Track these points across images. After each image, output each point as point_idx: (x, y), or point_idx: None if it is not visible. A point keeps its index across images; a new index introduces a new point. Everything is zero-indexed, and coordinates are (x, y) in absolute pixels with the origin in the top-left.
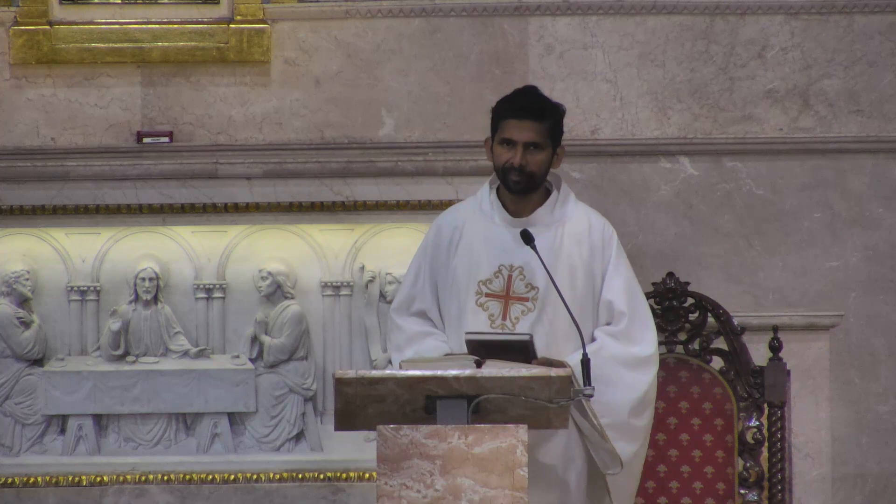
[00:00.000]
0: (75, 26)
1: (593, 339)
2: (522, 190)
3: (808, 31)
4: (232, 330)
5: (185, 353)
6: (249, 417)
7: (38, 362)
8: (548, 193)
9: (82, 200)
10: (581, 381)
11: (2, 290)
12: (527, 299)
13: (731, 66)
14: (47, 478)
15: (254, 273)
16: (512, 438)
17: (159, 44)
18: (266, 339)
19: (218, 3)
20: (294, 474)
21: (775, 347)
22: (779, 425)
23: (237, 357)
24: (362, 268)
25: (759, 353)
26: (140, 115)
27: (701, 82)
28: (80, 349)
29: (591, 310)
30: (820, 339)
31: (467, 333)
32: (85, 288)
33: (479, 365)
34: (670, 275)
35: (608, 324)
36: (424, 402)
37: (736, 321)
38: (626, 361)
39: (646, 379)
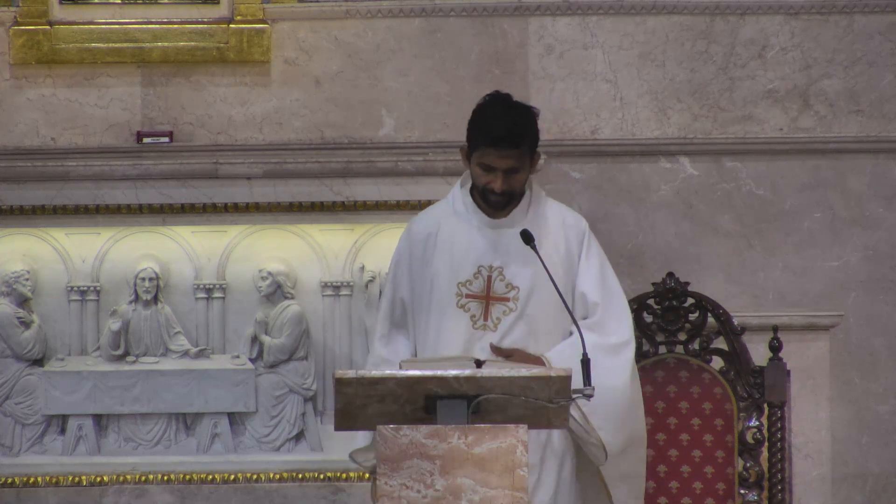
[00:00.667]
0: (75, 26)
1: (570, 334)
2: (503, 207)
3: (808, 31)
4: (232, 330)
5: (185, 353)
6: (249, 417)
7: (38, 362)
8: (521, 193)
9: (82, 200)
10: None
11: (2, 290)
12: (507, 299)
13: (731, 66)
14: (47, 478)
15: (254, 273)
16: (512, 438)
17: (159, 44)
18: (266, 339)
19: (218, 3)
20: (294, 474)
21: (775, 347)
22: (779, 425)
23: (237, 357)
24: (362, 268)
25: (759, 353)
26: (140, 115)
27: (701, 82)
28: (80, 349)
29: (571, 306)
30: (820, 339)
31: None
32: (85, 288)
33: (478, 365)
34: (670, 275)
35: (584, 317)
36: (424, 402)
37: (736, 321)
38: (603, 350)
39: (623, 363)
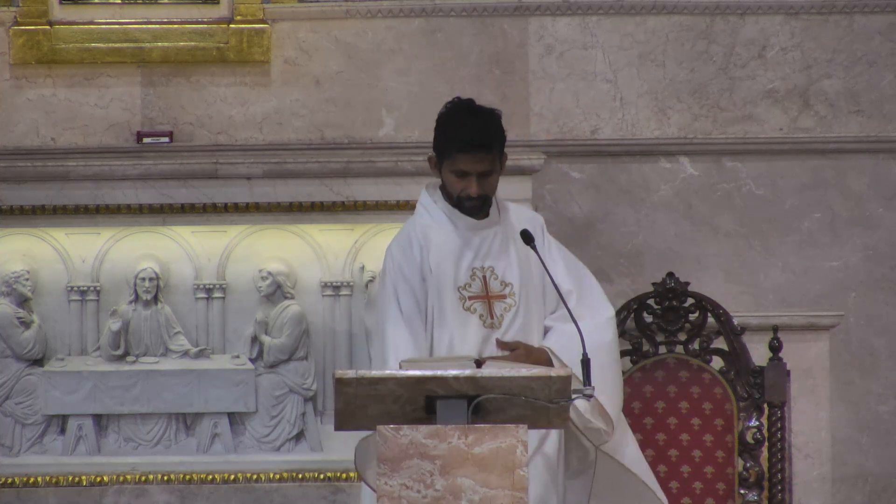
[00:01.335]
0: (75, 26)
1: (548, 330)
2: (479, 211)
3: (808, 32)
4: (232, 330)
5: (185, 353)
6: (249, 417)
7: (38, 362)
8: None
9: (82, 200)
10: (558, 359)
11: (2, 290)
12: (505, 296)
13: (731, 66)
14: (47, 478)
15: (254, 273)
16: (512, 438)
17: (159, 44)
18: (266, 339)
19: (218, 3)
20: (294, 474)
21: (775, 347)
22: (779, 425)
23: (237, 357)
24: (362, 268)
25: (759, 353)
26: (140, 115)
27: (701, 82)
28: (80, 349)
29: (543, 300)
30: (820, 340)
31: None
32: (85, 288)
33: (478, 365)
34: (670, 275)
35: (555, 310)
36: (424, 402)
37: (736, 321)
38: (590, 329)
39: (607, 337)
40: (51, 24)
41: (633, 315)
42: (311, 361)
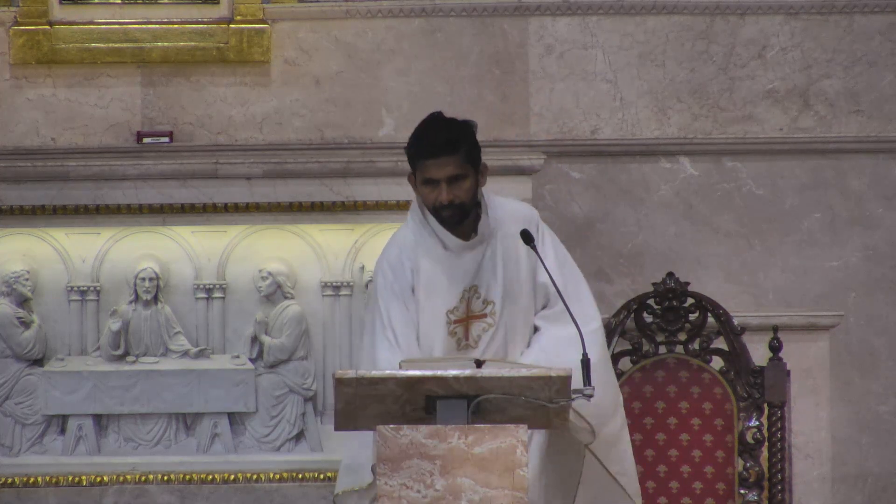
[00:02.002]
0: (75, 26)
1: (536, 329)
2: (458, 222)
3: (808, 32)
4: (232, 330)
5: (185, 353)
6: (249, 417)
7: (38, 362)
8: (478, 205)
9: (82, 200)
10: None
11: (2, 290)
12: (485, 315)
13: (731, 66)
14: (47, 478)
15: (254, 273)
16: (512, 438)
17: (159, 44)
18: (266, 339)
19: (218, 3)
20: (294, 474)
21: (775, 347)
22: (779, 425)
23: (237, 357)
24: (362, 268)
25: (758, 353)
26: (140, 115)
27: (701, 82)
28: (80, 349)
29: (535, 297)
30: (820, 339)
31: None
32: (85, 288)
33: (478, 365)
34: (670, 275)
35: (545, 306)
36: (424, 402)
37: (736, 321)
38: (569, 342)
39: (595, 349)
40: (51, 24)
41: (633, 315)
42: (311, 361)
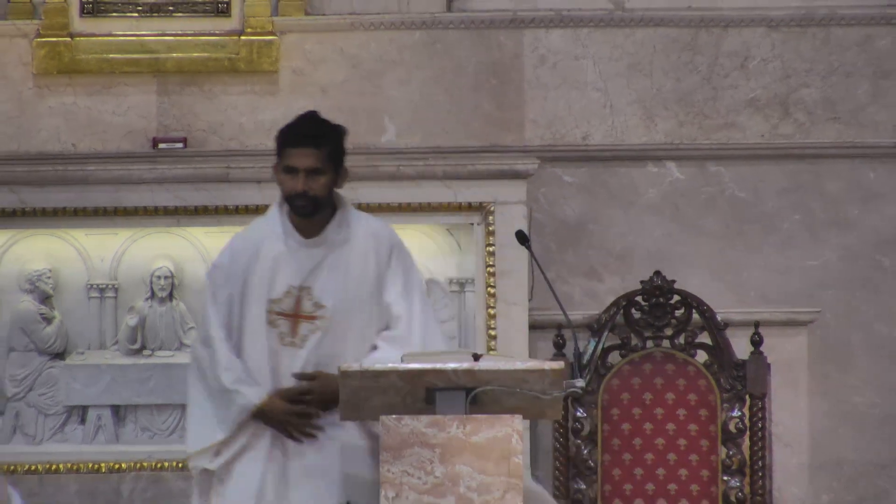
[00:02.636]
0: (95, 38)
1: (374, 348)
2: (308, 213)
3: (787, 43)
4: None
5: None
6: None
7: (60, 356)
8: (333, 212)
9: (101, 203)
10: None
11: (25, 288)
12: (315, 317)
13: (714, 75)
14: (68, 465)
15: None
16: (507, 428)
17: (174, 55)
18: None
19: (229, 16)
20: None
21: (756, 342)
22: (760, 416)
23: None
24: None
25: (741, 348)
26: (156, 123)
27: (686, 91)
28: (99, 344)
29: (377, 315)
30: (799, 334)
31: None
32: (104, 286)
33: (476, 358)
34: (657, 273)
35: (387, 327)
36: (425, 393)
37: (719, 317)
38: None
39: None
40: (71, 36)
41: (622, 311)
42: None
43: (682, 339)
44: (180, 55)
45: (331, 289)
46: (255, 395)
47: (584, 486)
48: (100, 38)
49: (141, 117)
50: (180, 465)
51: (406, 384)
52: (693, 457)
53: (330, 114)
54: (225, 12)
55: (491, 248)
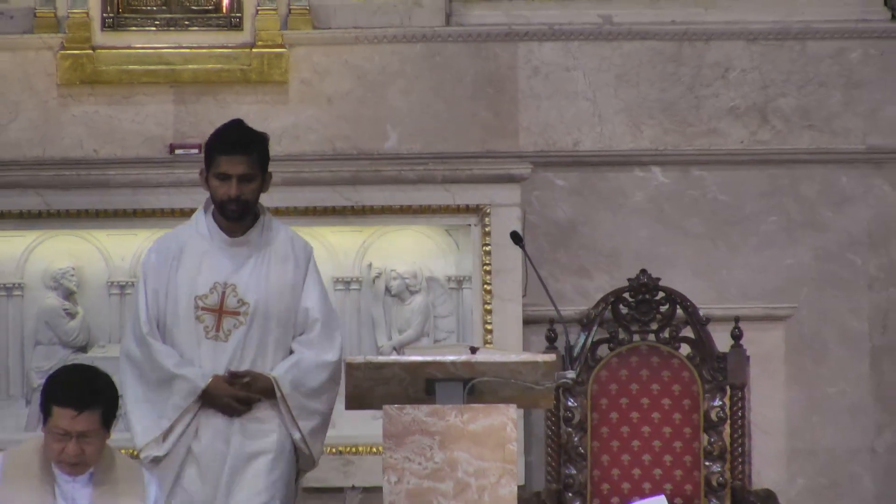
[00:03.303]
0: (115, 50)
1: (291, 351)
2: (239, 217)
3: (765, 56)
4: None
5: None
6: None
7: (83, 349)
8: (256, 217)
9: (121, 205)
10: (281, 392)
11: (50, 285)
12: (238, 313)
13: (697, 85)
14: None
15: None
16: (503, 417)
17: (190, 66)
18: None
19: (242, 29)
20: None
21: (737, 336)
22: (740, 405)
23: None
24: (370, 265)
25: (722, 341)
26: (172, 130)
27: (671, 100)
28: (119, 337)
29: (295, 318)
30: (776, 329)
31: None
32: (124, 283)
33: (472, 351)
34: (643, 271)
35: (303, 332)
36: (425, 384)
37: (702, 312)
38: (319, 367)
39: (333, 390)
40: (93, 48)
41: (610, 307)
42: None
43: (666, 334)
44: (195, 66)
45: (253, 286)
46: (199, 377)
47: (574, 472)
48: (120, 51)
49: (158, 125)
50: None
51: (408, 375)
52: (677, 443)
53: (336, 121)
54: (238, 26)
55: (487, 248)
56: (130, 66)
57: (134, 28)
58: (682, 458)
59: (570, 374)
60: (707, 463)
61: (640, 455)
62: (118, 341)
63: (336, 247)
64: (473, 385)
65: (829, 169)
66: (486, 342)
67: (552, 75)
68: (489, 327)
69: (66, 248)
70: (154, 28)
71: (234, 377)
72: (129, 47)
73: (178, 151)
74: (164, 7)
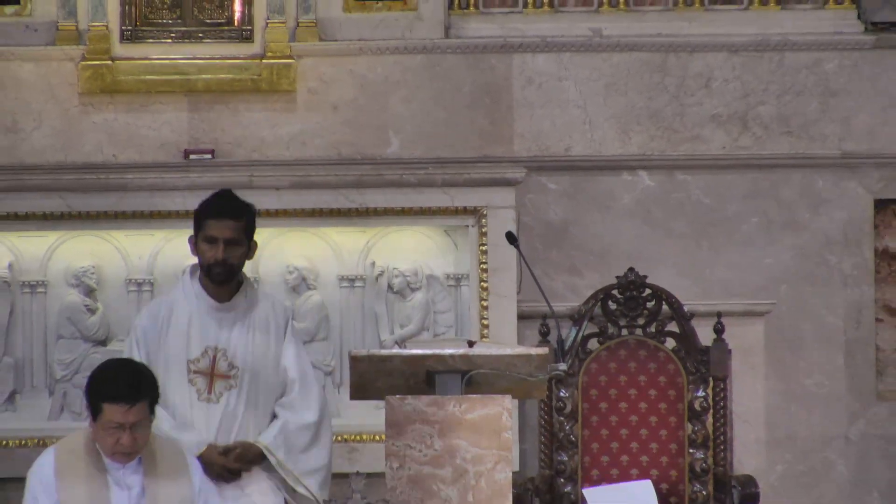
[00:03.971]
0: (133, 61)
1: (275, 416)
2: (224, 281)
3: (746, 66)
4: None
5: None
6: None
7: (102, 343)
8: (239, 282)
9: (139, 207)
10: (276, 458)
11: (72, 283)
12: (229, 377)
13: (682, 94)
14: None
15: (282, 268)
16: (499, 407)
17: (203, 76)
18: (292, 323)
19: (252, 42)
20: None
21: (719, 330)
22: (722, 396)
23: None
24: (373, 264)
25: (705, 335)
26: (187, 136)
27: (657, 108)
28: None
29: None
30: (756, 324)
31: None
32: (141, 280)
33: (470, 345)
34: (631, 270)
35: (283, 394)
36: (425, 376)
37: (686, 308)
38: (304, 428)
39: (324, 443)
40: (113, 59)
41: (600, 303)
42: (330, 342)
43: (653, 328)
44: (209, 76)
45: (241, 351)
46: (194, 446)
47: (566, 458)
48: (138, 62)
49: (173, 131)
50: None
51: (409, 368)
52: (663, 432)
53: (341, 128)
54: (248, 38)
55: (484, 248)
56: (147, 76)
57: (151, 40)
58: (667, 446)
59: (562, 367)
60: (691, 450)
61: (628, 443)
62: None
63: (341, 246)
64: (471, 377)
65: (807, 173)
66: (482, 336)
67: (545, 85)
68: (486, 322)
69: (86, 247)
70: (170, 40)
71: (223, 454)
72: (146, 58)
73: (192, 156)
74: (179, 20)
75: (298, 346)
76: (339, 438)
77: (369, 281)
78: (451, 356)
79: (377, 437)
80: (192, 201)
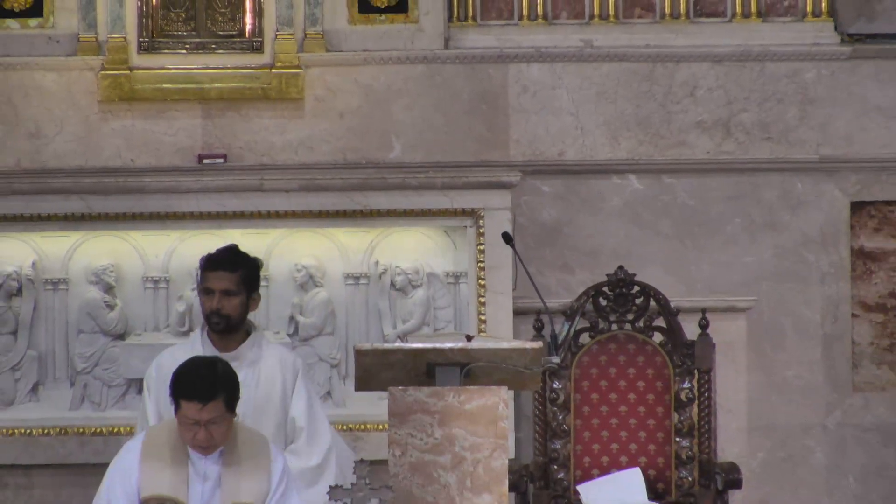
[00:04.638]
0: (150, 71)
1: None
2: (222, 330)
3: (729, 75)
4: (274, 311)
5: None
6: None
7: (121, 337)
8: (248, 334)
9: (155, 209)
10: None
11: (92, 280)
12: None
13: (668, 102)
14: (128, 429)
15: (291, 266)
16: (496, 397)
17: (216, 85)
18: (300, 318)
19: (262, 52)
20: None
21: (703, 325)
22: (706, 387)
23: (278, 332)
24: (377, 262)
25: (690, 330)
26: (201, 141)
27: (645, 115)
28: (153, 327)
29: (286, 427)
30: (739, 319)
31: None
32: (157, 278)
33: (468, 339)
34: (621, 268)
35: (293, 441)
36: (426, 368)
37: (672, 304)
38: (303, 472)
39: (322, 486)
40: (130, 69)
41: (591, 300)
42: (336, 336)
43: (641, 323)
44: (221, 85)
45: (243, 399)
46: None
47: (559, 446)
48: (154, 71)
49: (188, 137)
50: None
51: (410, 360)
52: (650, 421)
53: (346, 134)
54: (259, 49)
55: (481, 247)
56: (163, 85)
57: (167, 51)
58: (655, 435)
59: (555, 360)
60: (677, 439)
61: (618, 431)
62: (153, 330)
63: (346, 246)
64: (469, 369)
65: (786, 176)
66: (480, 331)
67: (539, 93)
68: (483, 318)
69: (106, 247)
70: (185, 51)
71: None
72: (162, 68)
73: (205, 161)
74: (193, 32)
75: (310, 397)
76: (345, 427)
77: (373, 278)
78: (451, 350)
79: (380, 427)
80: (206, 203)
